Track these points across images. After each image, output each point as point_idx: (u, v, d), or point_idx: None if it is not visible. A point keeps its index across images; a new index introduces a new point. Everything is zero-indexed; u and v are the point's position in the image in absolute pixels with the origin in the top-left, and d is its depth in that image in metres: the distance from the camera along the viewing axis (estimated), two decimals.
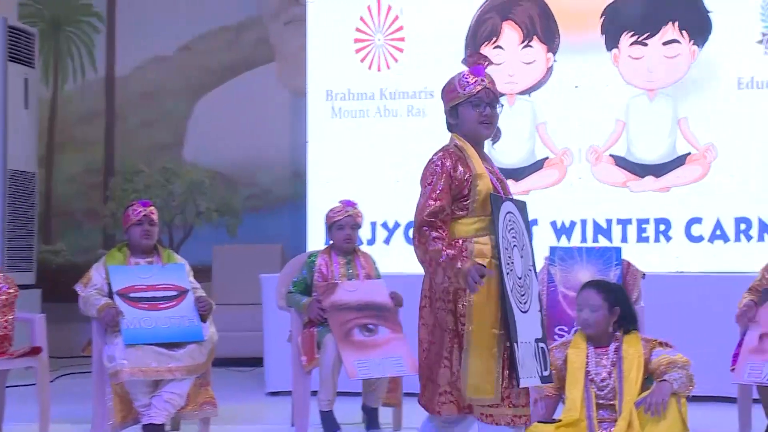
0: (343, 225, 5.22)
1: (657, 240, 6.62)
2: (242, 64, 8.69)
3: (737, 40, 6.58)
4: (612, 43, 6.76)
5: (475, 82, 3.45)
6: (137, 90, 8.83)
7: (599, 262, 5.00)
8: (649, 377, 4.03)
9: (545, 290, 4.96)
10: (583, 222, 6.71)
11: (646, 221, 6.65)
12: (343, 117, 7.11)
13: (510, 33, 6.90)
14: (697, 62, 6.64)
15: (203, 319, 4.92)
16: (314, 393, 5.06)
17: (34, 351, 4.89)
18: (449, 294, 3.35)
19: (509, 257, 3.33)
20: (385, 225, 6.97)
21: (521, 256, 3.40)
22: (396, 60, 7.05)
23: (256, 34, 8.68)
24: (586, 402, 3.99)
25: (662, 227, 6.63)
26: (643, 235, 6.64)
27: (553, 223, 6.72)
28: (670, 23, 6.67)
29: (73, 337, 7.05)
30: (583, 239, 6.67)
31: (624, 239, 6.62)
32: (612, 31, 6.77)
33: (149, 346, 4.68)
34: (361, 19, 7.10)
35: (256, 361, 7.00)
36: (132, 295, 4.83)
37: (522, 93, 6.86)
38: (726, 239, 6.55)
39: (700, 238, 6.59)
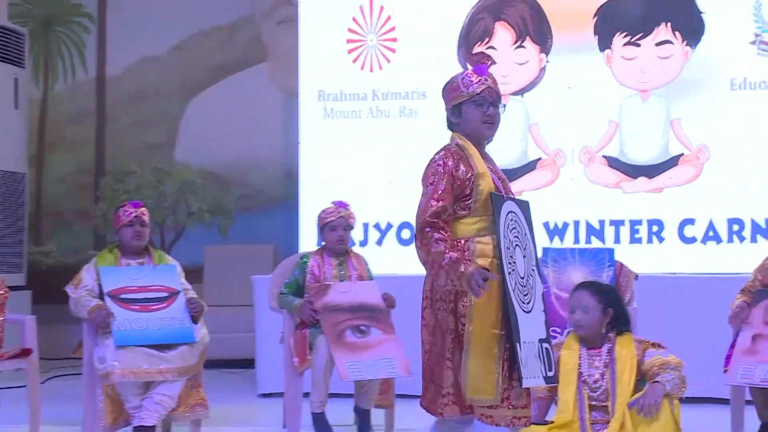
0: (336, 226, 5.21)
1: (650, 241, 6.63)
2: (234, 64, 8.67)
3: (730, 40, 6.59)
4: (605, 43, 6.76)
5: (479, 81, 3.44)
6: (128, 90, 8.80)
7: (592, 263, 4.99)
8: (641, 378, 4.02)
9: None
10: (576, 223, 6.71)
11: (639, 222, 6.65)
12: (336, 117, 7.10)
13: (503, 33, 6.90)
14: (690, 63, 6.65)
15: (195, 320, 4.90)
16: (306, 394, 5.05)
17: (25, 353, 4.87)
18: (450, 294, 3.34)
19: (511, 257, 3.31)
20: (377, 226, 6.96)
21: (524, 256, 3.39)
22: (388, 60, 7.04)
23: (249, 34, 8.67)
24: (579, 403, 3.99)
25: (655, 228, 6.63)
26: (636, 236, 6.64)
27: (546, 224, 6.71)
28: (663, 24, 6.68)
29: (64, 338, 7.02)
30: (576, 240, 6.67)
31: (617, 240, 6.62)
32: (605, 31, 6.77)
33: (140, 347, 4.65)
34: (354, 19, 7.09)
35: (248, 363, 6.98)
36: (123, 296, 4.81)
37: (515, 94, 6.86)
38: (719, 240, 6.55)
39: (692, 239, 6.59)
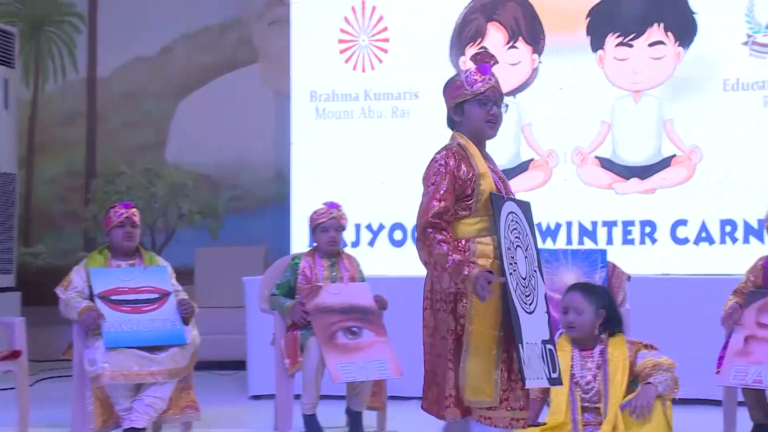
0: (328, 227, 5.19)
1: (642, 242, 6.62)
2: (225, 64, 8.66)
3: (723, 41, 6.59)
4: (597, 44, 6.76)
5: (483, 80, 3.43)
6: (119, 91, 8.78)
7: (584, 265, 4.98)
8: (634, 380, 4.02)
9: None
10: (569, 224, 6.70)
11: (632, 223, 6.64)
12: (328, 118, 7.08)
13: (495, 34, 6.89)
14: (683, 64, 6.64)
15: (185, 322, 4.88)
16: (297, 396, 5.04)
17: (14, 354, 4.85)
18: (450, 295, 3.31)
19: (512, 257, 3.28)
20: (369, 227, 6.95)
21: (525, 257, 3.37)
22: (380, 61, 7.03)
23: (240, 34, 8.65)
24: (571, 405, 3.98)
25: (648, 229, 6.62)
26: (629, 237, 6.64)
27: (539, 225, 6.70)
28: (656, 24, 6.67)
29: (54, 340, 7.00)
30: (569, 241, 6.67)
31: (609, 241, 6.61)
32: (597, 32, 6.76)
33: (131, 349, 4.64)
34: (346, 19, 7.07)
35: (239, 365, 6.97)
36: (113, 297, 4.79)
37: (507, 94, 6.75)
38: (711, 241, 6.55)
39: (685, 240, 6.58)
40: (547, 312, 3.44)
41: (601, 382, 3.99)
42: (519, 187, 6.68)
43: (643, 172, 6.65)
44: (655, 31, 6.68)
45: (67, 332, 4.91)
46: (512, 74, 6.82)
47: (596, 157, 6.73)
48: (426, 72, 6.93)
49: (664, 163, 6.63)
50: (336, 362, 4.75)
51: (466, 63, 6.87)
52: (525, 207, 3.50)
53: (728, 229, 6.53)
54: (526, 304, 3.29)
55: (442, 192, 3.32)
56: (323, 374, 4.87)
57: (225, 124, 8.47)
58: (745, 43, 6.55)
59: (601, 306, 4.09)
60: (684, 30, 6.65)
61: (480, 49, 6.79)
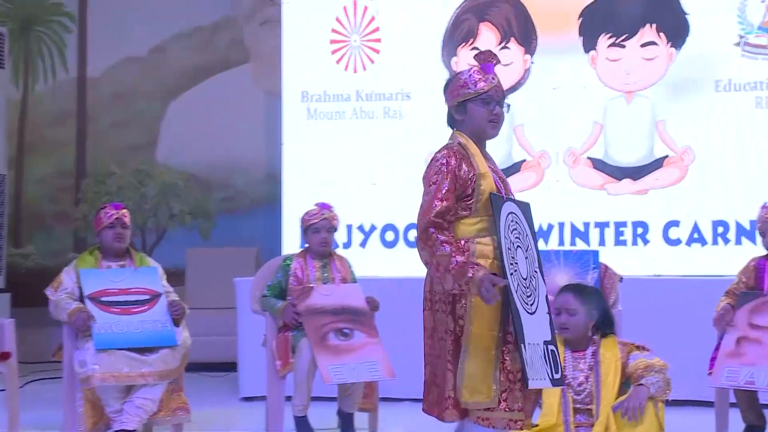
0: (319, 228, 5.18)
1: (635, 243, 6.62)
2: (216, 65, 8.64)
3: (715, 42, 6.59)
4: (590, 44, 6.75)
5: (486, 79, 3.41)
6: (109, 91, 8.75)
7: (576, 266, 4.96)
8: (626, 381, 4.01)
9: None
10: (561, 225, 6.70)
11: (624, 224, 6.64)
12: (319, 118, 7.06)
13: (487, 34, 6.88)
14: (675, 64, 6.64)
15: (176, 323, 4.87)
16: (289, 398, 5.02)
17: (3, 356, 4.83)
18: (449, 296, 3.29)
19: (513, 257, 3.27)
20: (361, 228, 6.93)
21: (525, 257, 3.35)
22: (372, 61, 7.01)
23: (231, 34, 8.64)
24: (563, 407, 3.96)
25: (640, 230, 6.62)
26: (621, 238, 6.63)
27: None
28: (648, 25, 6.67)
29: (44, 341, 6.98)
30: (561, 242, 6.66)
31: (601, 242, 6.61)
32: (590, 32, 6.76)
33: (121, 351, 4.62)
34: (337, 19, 7.06)
35: (230, 366, 6.96)
36: (104, 299, 4.78)
37: None
38: (703, 242, 6.55)
39: (677, 241, 6.58)
40: (549, 313, 3.42)
41: (593, 384, 3.99)
42: (511, 189, 6.68)
43: (636, 172, 6.65)
44: (648, 32, 6.68)
45: (57, 334, 4.89)
46: (504, 75, 6.67)
47: (588, 158, 6.72)
48: (418, 72, 6.92)
49: (657, 163, 6.63)
50: (327, 364, 4.74)
51: (458, 63, 6.87)
52: (525, 208, 3.49)
53: (720, 230, 6.53)
54: (527, 304, 3.27)
55: (444, 191, 3.29)
56: (314, 376, 4.86)
57: (216, 125, 8.46)
58: (738, 44, 6.55)
59: (594, 307, 4.08)
60: (676, 31, 6.64)
61: (472, 49, 6.84)
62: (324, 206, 5.24)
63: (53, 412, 5.32)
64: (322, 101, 7.06)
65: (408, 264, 6.65)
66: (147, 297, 4.86)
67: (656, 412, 3.87)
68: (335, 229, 5.27)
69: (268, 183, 8.25)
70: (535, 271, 3.40)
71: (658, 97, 6.66)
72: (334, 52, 7.06)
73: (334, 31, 7.06)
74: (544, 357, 3.28)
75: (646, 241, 6.61)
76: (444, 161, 3.33)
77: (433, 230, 3.25)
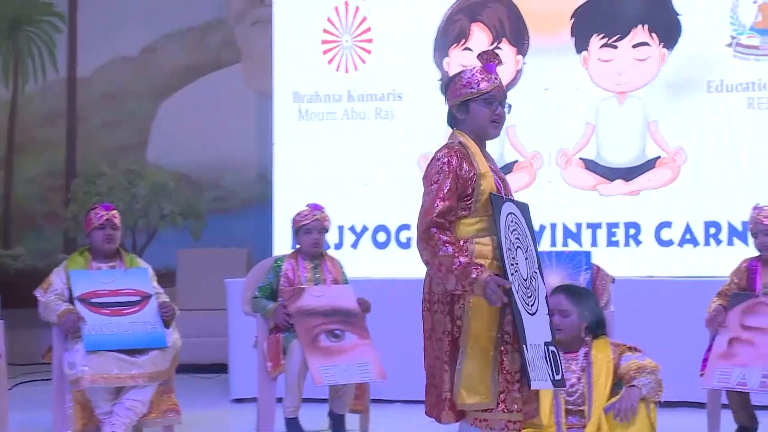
0: (311, 229, 5.17)
1: (627, 244, 6.61)
2: (207, 65, 8.62)
3: (707, 43, 6.59)
4: (582, 45, 6.74)
5: (489, 79, 3.39)
6: (100, 91, 8.73)
7: (569, 267, 4.95)
8: (618, 382, 4.00)
9: None
10: (553, 226, 6.69)
11: (616, 225, 6.64)
12: (310, 119, 7.04)
13: (479, 35, 6.87)
14: (667, 65, 6.64)
15: (167, 324, 4.85)
16: (280, 400, 5.02)
17: None
18: (447, 296, 3.27)
19: (513, 258, 3.25)
20: (352, 229, 6.92)
21: (525, 258, 3.33)
22: (364, 62, 7.00)
23: (222, 35, 8.62)
24: (555, 408, 3.96)
25: (632, 231, 6.61)
26: (613, 239, 6.63)
27: None
28: (640, 26, 6.67)
29: (33, 343, 6.94)
30: (553, 243, 6.65)
31: (594, 243, 6.60)
32: (582, 33, 6.75)
33: (111, 352, 4.61)
34: (329, 20, 7.04)
35: (221, 368, 6.95)
36: (94, 300, 4.76)
37: None
38: (695, 243, 6.54)
39: (669, 242, 6.58)
40: (549, 314, 3.41)
41: (585, 385, 3.98)
42: None
43: (628, 173, 6.65)
44: (640, 33, 6.68)
45: (47, 335, 4.87)
46: None
47: (581, 159, 6.72)
48: (409, 73, 6.91)
49: (649, 164, 6.63)
50: (319, 365, 4.73)
51: (450, 64, 6.86)
52: (524, 208, 3.47)
53: (712, 230, 6.53)
54: (528, 305, 3.25)
55: (445, 191, 3.27)
56: (306, 377, 4.85)
57: (207, 125, 8.44)
58: (729, 45, 6.56)
59: (586, 308, 4.07)
60: (668, 31, 6.64)
61: (464, 50, 6.83)
62: (315, 207, 5.22)
63: (43, 414, 5.30)
64: (313, 102, 7.04)
65: (400, 265, 6.64)
66: (137, 298, 4.84)
67: (648, 413, 3.87)
68: (327, 230, 5.26)
69: (260, 183, 8.24)
70: (535, 272, 3.39)
71: (651, 98, 6.66)
72: (325, 52, 7.04)
73: (325, 31, 7.04)
74: (545, 358, 3.27)
75: (638, 242, 6.61)
76: (445, 160, 3.31)
77: (435, 230, 3.22)
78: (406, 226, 6.69)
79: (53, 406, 4.82)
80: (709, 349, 4.70)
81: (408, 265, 6.58)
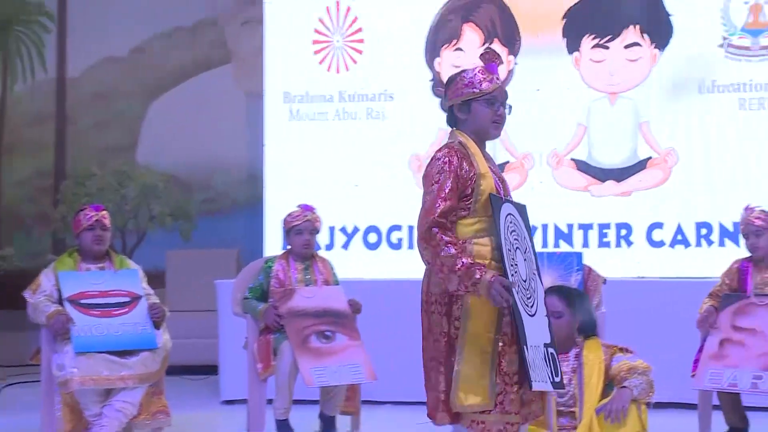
0: (302, 230, 5.15)
1: (618, 245, 6.61)
2: (198, 65, 8.61)
3: (699, 43, 6.59)
4: (573, 46, 6.74)
5: (491, 79, 3.39)
6: (89, 91, 8.70)
7: (560, 268, 4.95)
8: (609, 383, 4.00)
9: None
10: (544, 227, 6.68)
11: (608, 226, 6.63)
12: (301, 119, 7.02)
13: (471, 35, 6.86)
14: (659, 66, 6.63)
15: (156, 326, 4.85)
16: (270, 401, 5.01)
17: None
18: (445, 297, 3.26)
19: (513, 259, 3.24)
20: (343, 230, 6.90)
21: (524, 259, 3.32)
22: (355, 62, 6.98)
23: (213, 35, 8.60)
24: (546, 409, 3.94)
25: (623, 232, 6.61)
26: (605, 239, 6.62)
27: None
28: (632, 26, 6.66)
29: (22, 345, 6.92)
30: (544, 244, 6.64)
31: (585, 244, 6.60)
32: (573, 33, 6.74)
33: (100, 354, 4.61)
34: (320, 20, 7.02)
35: (211, 369, 6.93)
36: (83, 301, 4.74)
37: None
38: (687, 244, 6.54)
39: (661, 243, 6.57)
40: (547, 315, 3.40)
41: (576, 386, 3.98)
42: None
43: (619, 174, 6.64)
44: (631, 33, 6.67)
45: (36, 336, 4.86)
46: None
47: (572, 160, 6.71)
48: (401, 73, 6.90)
49: (640, 165, 6.62)
50: (309, 366, 4.72)
51: (442, 64, 6.84)
52: (521, 209, 3.46)
53: (704, 231, 6.52)
54: (527, 306, 3.24)
55: (446, 191, 3.25)
56: (296, 378, 4.84)
57: (197, 125, 8.42)
58: (721, 46, 6.55)
59: (578, 309, 4.07)
60: (660, 32, 6.64)
61: (455, 50, 6.82)
62: (306, 208, 5.21)
63: (31, 416, 5.27)
64: (304, 102, 7.02)
65: (391, 266, 6.63)
66: (127, 299, 4.84)
67: (639, 414, 3.88)
68: (318, 231, 5.25)
69: (250, 184, 8.21)
70: (534, 273, 3.38)
71: (642, 99, 6.65)
72: (316, 52, 7.02)
73: (316, 31, 7.03)
74: (545, 359, 3.26)
75: (629, 243, 6.60)
76: (446, 160, 3.29)
77: (436, 230, 3.21)
78: (397, 227, 6.68)
79: (42, 408, 4.80)
80: (701, 350, 4.70)
81: (399, 266, 6.57)
